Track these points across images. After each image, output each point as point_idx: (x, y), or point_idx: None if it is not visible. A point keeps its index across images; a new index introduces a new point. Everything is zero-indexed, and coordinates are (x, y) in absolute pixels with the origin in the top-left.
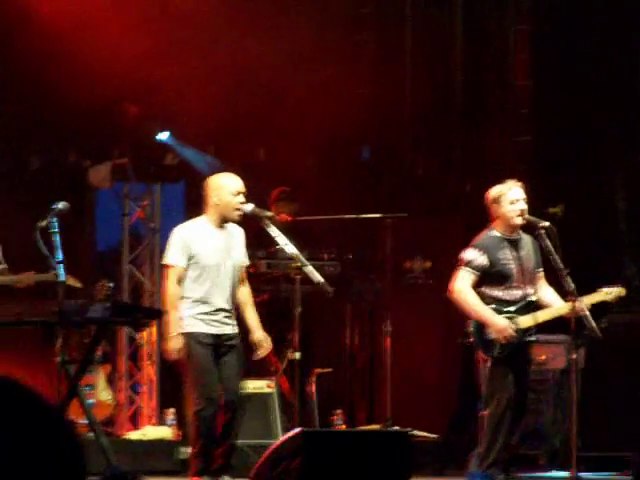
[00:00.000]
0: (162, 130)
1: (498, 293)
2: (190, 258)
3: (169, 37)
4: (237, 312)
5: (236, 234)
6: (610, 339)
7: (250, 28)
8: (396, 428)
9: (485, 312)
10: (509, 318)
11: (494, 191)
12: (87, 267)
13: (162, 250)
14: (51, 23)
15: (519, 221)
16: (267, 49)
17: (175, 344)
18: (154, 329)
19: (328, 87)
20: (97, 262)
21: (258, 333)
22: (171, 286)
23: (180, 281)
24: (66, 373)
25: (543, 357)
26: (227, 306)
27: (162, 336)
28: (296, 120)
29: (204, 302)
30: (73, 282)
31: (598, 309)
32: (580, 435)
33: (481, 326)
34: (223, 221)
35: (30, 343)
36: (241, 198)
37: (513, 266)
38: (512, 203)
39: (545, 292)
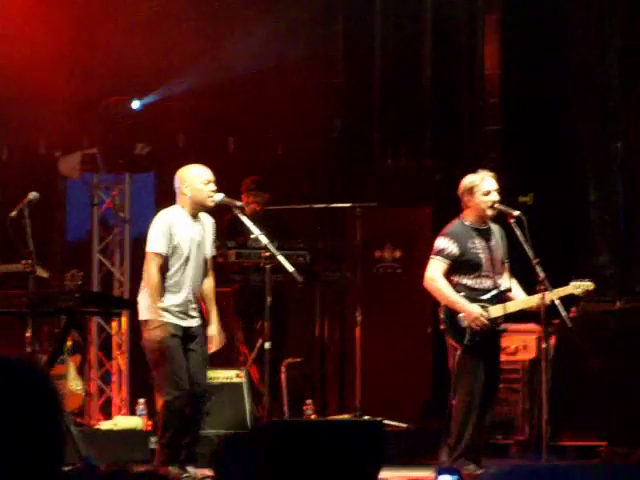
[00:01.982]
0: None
1: (468, 282)
2: (171, 247)
3: (141, 31)
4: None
5: (207, 225)
6: (582, 328)
7: (221, 18)
8: (366, 417)
9: (457, 300)
10: (481, 307)
11: (467, 181)
12: (57, 257)
13: (132, 240)
14: (23, 13)
15: (491, 212)
16: (237, 39)
17: (162, 332)
18: (124, 319)
19: (298, 77)
20: (67, 252)
21: (213, 328)
22: (156, 274)
23: (162, 269)
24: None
25: (514, 347)
26: (194, 298)
27: (133, 325)
28: (266, 110)
29: (174, 293)
30: (41, 272)
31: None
32: (550, 424)
33: (452, 314)
34: (196, 211)
35: (0, 333)
36: (212, 187)
37: (483, 255)
38: (485, 194)
39: (511, 284)
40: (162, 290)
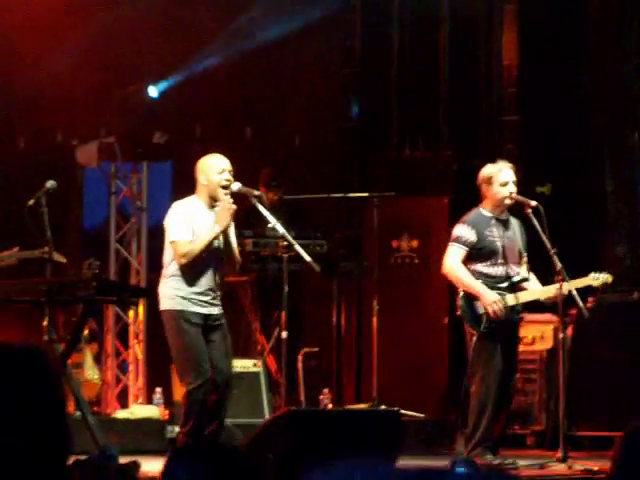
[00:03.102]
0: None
1: (484, 269)
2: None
3: (157, 17)
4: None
5: None
6: (600, 318)
7: (239, 9)
8: (383, 407)
9: (476, 286)
10: (498, 294)
11: (486, 171)
12: (74, 246)
13: (149, 228)
14: (39, 3)
15: (508, 202)
16: (254, 29)
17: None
18: (142, 307)
19: (315, 66)
20: (84, 241)
21: None
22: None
23: None
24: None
25: (531, 337)
26: (215, 287)
27: (150, 314)
28: (283, 99)
29: (195, 282)
30: (58, 257)
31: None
32: (568, 415)
33: (470, 300)
34: (213, 201)
35: (17, 322)
36: (226, 176)
37: (499, 244)
38: (502, 185)
39: (528, 276)
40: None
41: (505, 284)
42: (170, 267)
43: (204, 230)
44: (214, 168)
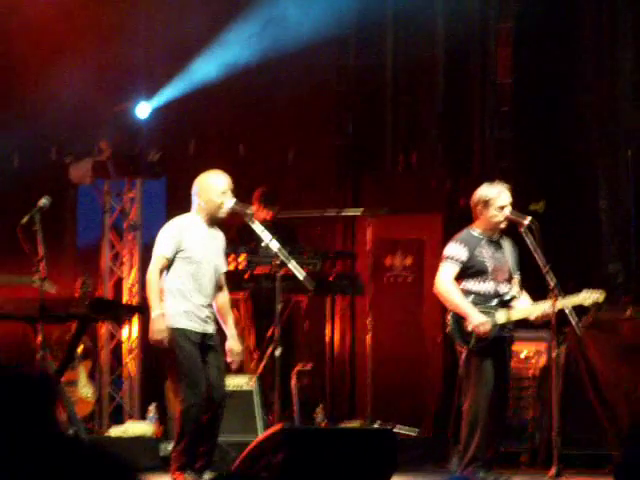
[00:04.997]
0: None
1: (473, 287)
2: (180, 252)
3: (151, 33)
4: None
5: (219, 239)
6: (594, 335)
7: (233, 26)
8: (377, 424)
9: (465, 306)
10: (487, 312)
11: (483, 193)
12: (68, 263)
13: (144, 246)
14: (34, 19)
15: (503, 225)
16: (249, 45)
17: (159, 325)
18: (135, 325)
19: (309, 83)
20: (78, 258)
21: (232, 343)
22: (155, 274)
23: (162, 271)
24: (47, 369)
25: (525, 354)
26: (210, 304)
27: (145, 332)
28: (276, 116)
29: (192, 298)
30: (49, 287)
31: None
32: (561, 433)
33: (460, 317)
34: (211, 220)
35: (11, 339)
36: (227, 197)
37: (489, 262)
38: (500, 209)
39: (519, 295)
40: (158, 289)
41: (494, 301)
42: (166, 283)
43: (199, 246)
44: (215, 189)
